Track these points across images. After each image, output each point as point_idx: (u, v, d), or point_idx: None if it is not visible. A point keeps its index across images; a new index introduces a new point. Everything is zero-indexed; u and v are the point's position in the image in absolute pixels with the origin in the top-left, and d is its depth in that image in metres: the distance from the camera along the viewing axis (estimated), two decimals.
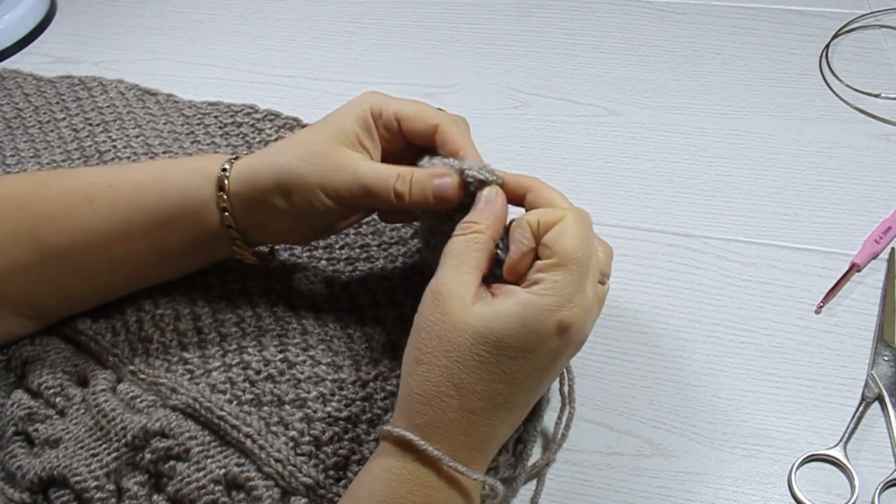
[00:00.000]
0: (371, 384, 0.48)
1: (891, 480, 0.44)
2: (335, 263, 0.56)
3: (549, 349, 0.39)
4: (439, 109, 0.50)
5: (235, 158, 0.48)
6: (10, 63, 0.81)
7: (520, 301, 0.38)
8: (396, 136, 0.47)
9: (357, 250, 0.56)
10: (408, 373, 0.40)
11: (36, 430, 0.47)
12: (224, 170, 0.47)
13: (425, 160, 0.46)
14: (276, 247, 0.55)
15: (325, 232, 0.52)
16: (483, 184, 0.43)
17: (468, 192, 0.43)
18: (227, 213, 0.47)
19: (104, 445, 0.45)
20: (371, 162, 0.46)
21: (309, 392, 0.47)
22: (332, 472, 0.44)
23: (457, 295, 0.39)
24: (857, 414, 0.47)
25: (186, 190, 0.48)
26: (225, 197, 0.47)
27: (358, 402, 0.47)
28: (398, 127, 0.47)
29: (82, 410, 0.47)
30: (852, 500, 0.44)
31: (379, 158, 0.48)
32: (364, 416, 0.46)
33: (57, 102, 0.72)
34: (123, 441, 0.45)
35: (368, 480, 0.39)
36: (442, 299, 0.39)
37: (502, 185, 0.44)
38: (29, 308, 0.50)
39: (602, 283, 0.43)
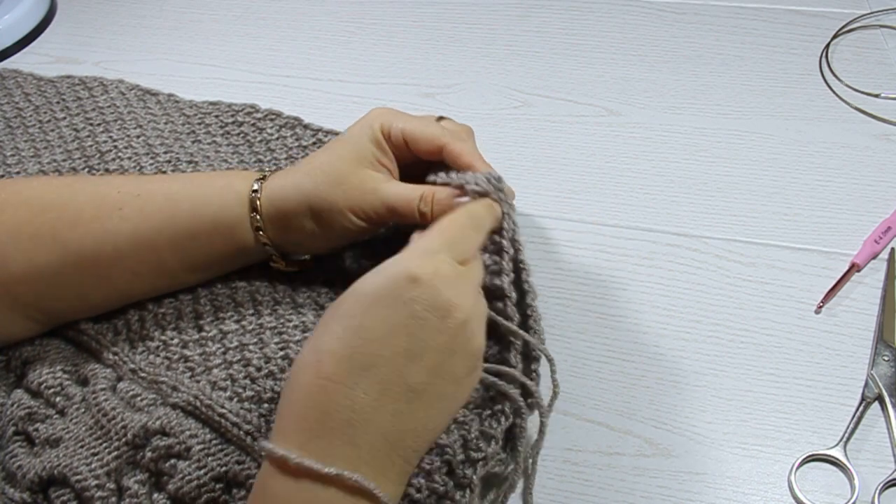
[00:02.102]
0: None
1: (891, 480, 0.44)
2: (338, 260, 0.56)
3: (404, 300, 0.37)
4: (442, 118, 0.53)
5: (263, 178, 0.50)
6: (10, 63, 0.81)
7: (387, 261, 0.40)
8: (405, 152, 0.50)
9: (360, 247, 0.56)
10: None
11: (36, 429, 0.47)
12: (255, 190, 0.49)
13: (434, 176, 0.48)
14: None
15: (350, 241, 0.53)
16: (483, 195, 0.45)
17: None
18: (261, 233, 0.50)
19: (105, 444, 0.45)
20: (394, 183, 0.49)
21: None
22: None
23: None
24: (857, 414, 0.47)
25: (220, 207, 0.49)
26: (258, 217, 0.49)
27: None
28: (405, 145, 0.49)
29: (82, 410, 0.47)
30: (852, 500, 0.44)
31: (397, 172, 0.50)
32: None
33: (57, 102, 0.72)
34: (124, 440, 0.45)
35: None
36: None
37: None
38: (38, 311, 0.50)
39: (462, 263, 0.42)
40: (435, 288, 0.38)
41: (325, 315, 0.39)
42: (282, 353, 0.49)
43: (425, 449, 0.40)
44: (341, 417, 0.35)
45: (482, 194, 0.45)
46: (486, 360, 0.44)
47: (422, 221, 0.47)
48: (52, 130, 0.69)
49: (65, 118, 0.70)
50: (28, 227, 0.48)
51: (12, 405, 0.48)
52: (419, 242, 0.41)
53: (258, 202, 0.49)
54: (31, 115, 0.71)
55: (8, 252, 0.48)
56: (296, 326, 0.51)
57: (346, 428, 0.35)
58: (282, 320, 0.51)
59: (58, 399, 0.48)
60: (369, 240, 0.57)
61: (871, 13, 0.75)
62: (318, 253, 0.54)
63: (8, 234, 0.48)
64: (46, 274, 0.48)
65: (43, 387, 0.48)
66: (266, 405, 0.47)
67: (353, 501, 0.35)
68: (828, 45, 0.72)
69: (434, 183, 0.48)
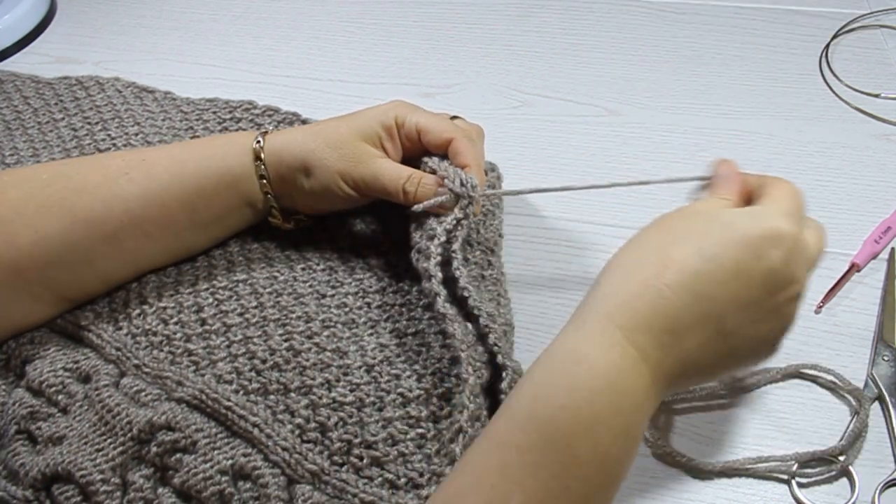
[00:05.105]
0: (376, 367, 0.48)
1: (891, 480, 0.44)
2: (340, 251, 0.56)
3: (761, 253, 0.39)
4: (456, 117, 0.56)
5: (265, 133, 0.53)
6: (10, 63, 0.81)
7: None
8: (416, 144, 0.52)
9: (361, 237, 0.57)
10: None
11: (38, 428, 0.46)
12: (258, 142, 0.52)
13: (429, 159, 0.52)
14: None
15: (339, 207, 0.55)
16: (458, 196, 0.49)
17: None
18: (264, 181, 0.52)
19: (109, 440, 0.45)
20: (388, 160, 0.52)
21: (314, 379, 0.47)
22: (336, 458, 0.45)
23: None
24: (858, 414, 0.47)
25: (224, 160, 0.52)
26: (262, 166, 0.52)
27: (363, 387, 0.47)
28: (418, 137, 0.52)
29: (85, 407, 0.47)
30: (852, 500, 0.44)
31: (400, 160, 0.53)
32: (368, 400, 0.47)
33: (56, 104, 0.72)
34: (129, 435, 0.44)
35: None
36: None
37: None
38: (45, 287, 0.50)
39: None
40: (791, 253, 0.39)
41: (682, 219, 0.42)
42: (286, 344, 0.49)
43: (685, 387, 0.44)
44: (665, 325, 0.38)
45: (456, 194, 0.49)
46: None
47: (404, 201, 0.50)
48: (51, 131, 0.69)
49: (63, 119, 0.70)
50: (34, 200, 0.49)
51: (13, 404, 0.48)
52: (782, 203, 0.42)
53: (262, 153, 0.52)
54: (29, 118, 0.71)
55: (14, 228, 0.48)
56: (299, 318, 0.51)
57: (663, 335, 0.38)
58: (285, 312, 0.51)
59: (60, 397, 0.48)
60: (367, 234, 0.57)
61: (871, 13, 0.75)
62: (312, 213, 0.56)
63: (14, 210, 0.48)
64: (55, 242, 0.48)
65: (44, 385, 0.48)
66: (272, 396, 0.47)
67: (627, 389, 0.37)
68: (828, 45, 0.72)
69: (426, 165, 0.51)
